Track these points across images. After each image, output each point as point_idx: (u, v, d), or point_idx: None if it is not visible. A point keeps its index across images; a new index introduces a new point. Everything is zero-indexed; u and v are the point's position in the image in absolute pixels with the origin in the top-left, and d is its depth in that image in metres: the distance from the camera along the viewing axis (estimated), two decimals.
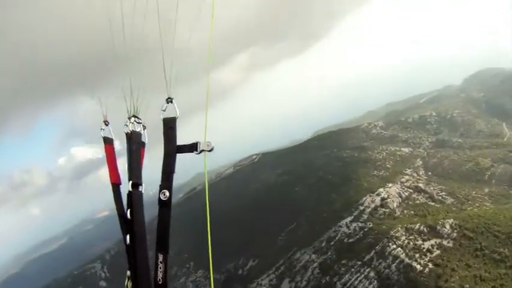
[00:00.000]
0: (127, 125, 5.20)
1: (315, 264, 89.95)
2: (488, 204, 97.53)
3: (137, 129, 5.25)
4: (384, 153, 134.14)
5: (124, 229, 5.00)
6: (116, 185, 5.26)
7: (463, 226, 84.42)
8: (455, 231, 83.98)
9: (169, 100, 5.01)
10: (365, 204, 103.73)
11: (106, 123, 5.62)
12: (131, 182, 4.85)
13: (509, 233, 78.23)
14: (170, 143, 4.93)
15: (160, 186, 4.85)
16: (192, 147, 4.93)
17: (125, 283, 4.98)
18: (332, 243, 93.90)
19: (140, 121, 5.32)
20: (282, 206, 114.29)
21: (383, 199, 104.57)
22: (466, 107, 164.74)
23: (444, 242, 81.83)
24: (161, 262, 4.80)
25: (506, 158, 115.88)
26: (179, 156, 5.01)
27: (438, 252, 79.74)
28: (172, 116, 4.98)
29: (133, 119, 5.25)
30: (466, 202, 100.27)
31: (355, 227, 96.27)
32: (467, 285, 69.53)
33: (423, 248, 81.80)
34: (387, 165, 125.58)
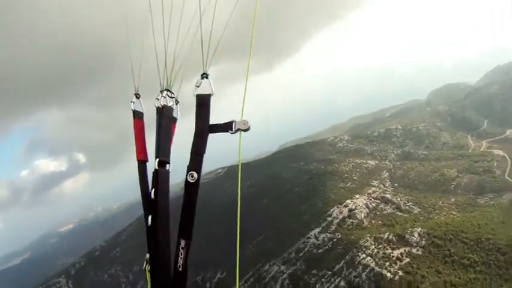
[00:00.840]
0: (158, 99, 4.92)
1: (285, 276, 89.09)
2: (455, 213, 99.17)
3: (169, 104, 4.95)
4: (351, 166, 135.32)
5: (146, 209, 4.61)
6: (142, 162, 4.99)
7: (431, 234, 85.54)
8: (424, 239, 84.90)
9: (205, 76, 4.69)
10: (333, 216, 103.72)
11: (137, 95, 5.41)
12: (158, 159, 4.50)
13: (477, 239, 79.64)
14: (203, 121, 4.60)
15: (188, 167, 4.46)
16: (227, 127, 4.56)
17: (144, 266, 4.70)
18: (301, 254, 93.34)
19: (173, 95, 5.07)
20: (250, 218, 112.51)
21: (350, 210, 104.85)
22: (431, 120, 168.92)
23: (414, 250, 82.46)
24: (182, 248, 4.41)
25: (471, 169, 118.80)
26: None
27: (407, 260, 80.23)
28: (206, 93, 4.67)
29: (165, 92, 4.97)
30: (433, 211, 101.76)
31: (324, 237, 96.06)
32: None
33: (393, 256, 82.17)
34: (354, 177, 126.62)
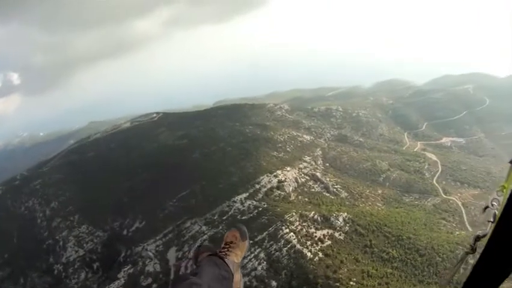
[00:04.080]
0: None
1: (205, 237, 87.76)
2: (380, 205, 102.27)
3: None
4: (286, 136, 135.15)
5: None
6: None
7: (355, 221, 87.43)
8: (348, 225, 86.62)
9: None
10: (261, 184, 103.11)
11: None
12: None
13: (399, 236, 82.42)
14: None
15: None
16: None
17: None
18: (225, 217, 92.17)
19: None
20: (178, 170, 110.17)
21: (280, 181, 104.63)
22: (372, 110, 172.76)
23: (336, 234, 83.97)
24: None
25: (402, 165, 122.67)
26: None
27: (329, 242, 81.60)
28: None
29: None
30: (359, 199, 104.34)
31: (249, 205, 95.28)
32: (354, 279, 71.63)
33: (316, 236, 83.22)
34: (288, 149, 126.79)
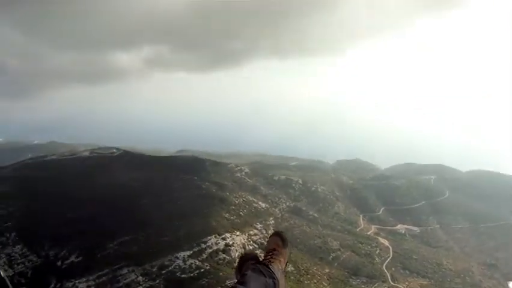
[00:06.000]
0: None
1: None
2: (325, 284, 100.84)
3: None
4: (242, 200, 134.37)
5: None
6: None
7: None
8: None
9: None
10: (208, 244, 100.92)
11: None
12: None
13: None
14: None
15: None
16: None
17: None
18: (164, 271, 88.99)
19: None
20: (125, 212, 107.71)
21: (227, 245, 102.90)
22: (331, 187, 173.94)
23: None
24: None
25: (353, 247, 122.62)
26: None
27: None
28: None
29: None
30: (305, 275, 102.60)
31: (192, 263, 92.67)
32: None
33: None
34: (241, 213, 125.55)
